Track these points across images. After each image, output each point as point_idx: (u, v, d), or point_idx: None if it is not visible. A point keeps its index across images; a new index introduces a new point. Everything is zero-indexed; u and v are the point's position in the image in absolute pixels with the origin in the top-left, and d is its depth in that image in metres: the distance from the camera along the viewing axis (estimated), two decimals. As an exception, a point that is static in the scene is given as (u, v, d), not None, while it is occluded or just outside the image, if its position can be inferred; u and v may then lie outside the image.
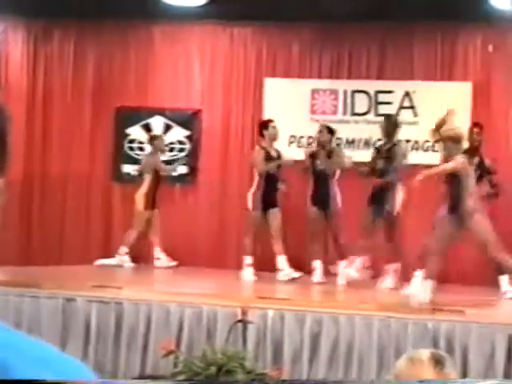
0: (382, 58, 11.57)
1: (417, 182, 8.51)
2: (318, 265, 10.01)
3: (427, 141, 11.03)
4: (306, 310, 7.57)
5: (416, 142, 11.37)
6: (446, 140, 8.55)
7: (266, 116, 11.66)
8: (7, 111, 1.29)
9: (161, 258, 10.98)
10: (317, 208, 10.21)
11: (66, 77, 12.27)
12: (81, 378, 1.24)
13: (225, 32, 12.03)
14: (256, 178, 10.44)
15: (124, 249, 10.94)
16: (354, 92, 11.66)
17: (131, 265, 10.77)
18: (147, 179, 11.08)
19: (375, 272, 9.83)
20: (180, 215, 11.74)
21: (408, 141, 11.37)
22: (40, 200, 12.14)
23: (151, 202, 11.07)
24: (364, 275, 9.68)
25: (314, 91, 11.74)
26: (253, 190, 10.36)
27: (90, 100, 12.21)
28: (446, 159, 8.53)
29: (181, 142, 12.05)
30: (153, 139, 11.49)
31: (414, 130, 11.37)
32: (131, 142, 12.14)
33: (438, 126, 8.70)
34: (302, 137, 11.61)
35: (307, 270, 10.12)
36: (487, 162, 9.98)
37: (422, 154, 11.16)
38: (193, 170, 11.95)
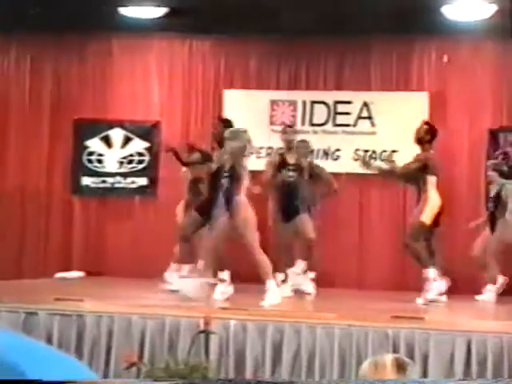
0: (340, 69, 11.69)
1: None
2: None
3: (384, 151, 11.18)
4: (268, 319, 7.61)
5: (374, 151, 11.51)
6: None
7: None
8: None
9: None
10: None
11: (24, 89, 12.22)
12: (84, 376, 1.35)
13: (183, 44, 12.07)
14: None
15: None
16: (312, 103, 11.77)
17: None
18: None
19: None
20: (140, 227, 11.74)
21: (366, 151, 11.51)
22: (-2, 214, 12.06)
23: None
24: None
25: (273, 102, 11.82)
26: None
27: (49, 113, 12.17)
28: None
29: (140, 154, 12.06)
30: None
31: (372, 140, 11.52)
32: (90, 154, 12.12)
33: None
34: (261, 147, 11.68)
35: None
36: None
37: (379, 164, 11.27)
38: (152, 182, 11.97)
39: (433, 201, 9.26)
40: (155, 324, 7.69)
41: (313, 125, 11.75)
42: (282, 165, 10.07)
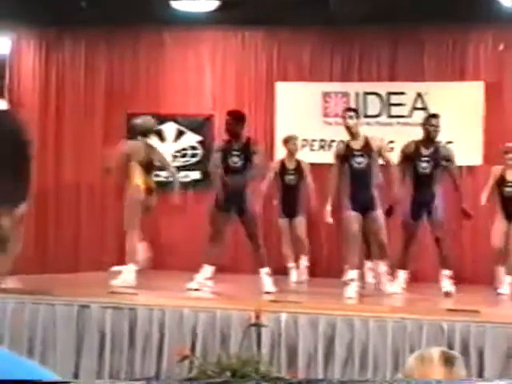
0: (393, 60, 11.54)
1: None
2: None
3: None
4: (320, 312, 7.55)
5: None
6: None
7: (277, 120, 11.68)
8: (29, 134, 1.34)
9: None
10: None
11: (78, 84, 12.32)
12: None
13: (236, 37, 12.04)
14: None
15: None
16: (365, 94, 11.64)
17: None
18: None
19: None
20: (194, 221, 11.74)
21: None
22: (55, 209, 12.18)
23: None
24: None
25: (326, 94, 11.72)
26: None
27: (103, 107, 12.25)
28: None
29: (193, 148, 12.06)
30: None
31: (427, 131, 11.34)
32: (144, 148, 12.14)
33: None
34: (314, 140, 11.60)
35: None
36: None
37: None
38: (206, 176, 11.95)
39: None
40: (206, 317, 7.69)
41: (366, 116, 11.61)
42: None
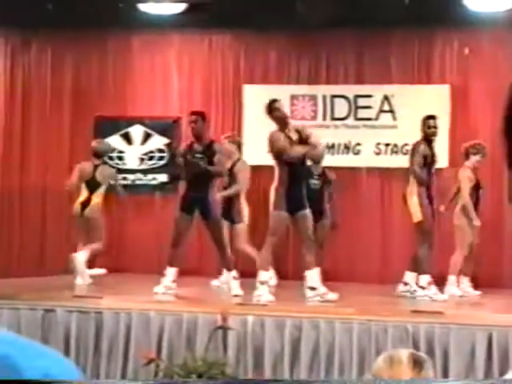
0: (360, 63, 11.60)
1: None
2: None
3: (406, 144, 11.05)
4: (286, 315, 7.55)
5: (395, 145, 11.42)
6: None
7: (245, 123, 11.69)
8: None
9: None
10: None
11: (45, 87, 12.25)
12: (67, 369, 1.47)
13: (203, 40, 12.03)
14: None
15: None
16: (333, 97, 11.69)
17: None
18: None
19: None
20: (162, 224, 11.70)
21: (387, 144, 11.43)
22: (19, 211, 12.09)
23: None
24: None
25: (293, 97, 11.75)
26: None
27: (69, 110, 12.19)
28: None
29: (161, 151, 12.03)
30: None
31: (394, 134, 11.42)
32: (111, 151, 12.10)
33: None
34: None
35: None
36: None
37: (401, 157, 11.18)
38: (173, 178, 11.92)
39: None
40: (173, 320, 7.66)
41: (334, 119, 11.67)
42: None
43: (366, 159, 11.46)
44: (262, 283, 8.34)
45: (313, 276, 8.46)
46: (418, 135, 10.84)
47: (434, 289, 8.90)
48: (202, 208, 8.88)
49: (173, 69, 12.11)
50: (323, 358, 7.40)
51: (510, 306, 8.55)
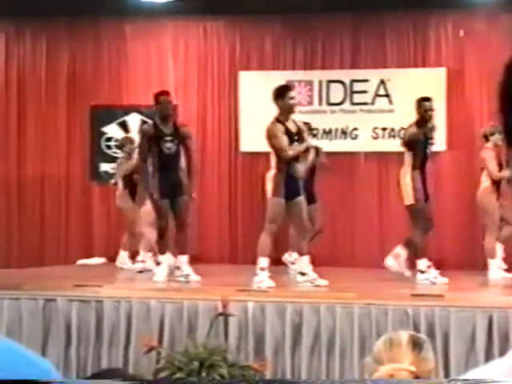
0: (356, 48, 11.58)
1: None
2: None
3: (403, 128, 11.03)
4: (287, 301, 7.57)
5: (392, 129, 11.42)
6: None
7: (241, 109, 11.68)
8: None
9: None
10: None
11: (40, 76, 12.21)
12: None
13: (197, 27, 12.00)
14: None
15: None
16: (329, 82, 11.68)
17: None
18: None
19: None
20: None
21: (384, 128, 11.43)
22: (18, 202, 12.08)
23: None
24: None
25: (289, 83, 11.71)
26: None
27: (65, 99, 12.16)
28: None
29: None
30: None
31: (390, 118, 11.42)
32: (108, 140, 12.10)
33: None
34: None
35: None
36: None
37: (398, 142, 11.16)
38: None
39: None
40: (173, 308, 7.68)
41: (330, 104, 11.66)
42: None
43: (364, 144, 11.46)
44: (263, 269, 8.36)
45: (304, 262, 8.52)
46: (413, 119, 10.88)
47: (434, 272, 8.90)
48: (175, 190, 8.84)
49: (168, 56, 12.08)
50: (324, 343, 7.42)
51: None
